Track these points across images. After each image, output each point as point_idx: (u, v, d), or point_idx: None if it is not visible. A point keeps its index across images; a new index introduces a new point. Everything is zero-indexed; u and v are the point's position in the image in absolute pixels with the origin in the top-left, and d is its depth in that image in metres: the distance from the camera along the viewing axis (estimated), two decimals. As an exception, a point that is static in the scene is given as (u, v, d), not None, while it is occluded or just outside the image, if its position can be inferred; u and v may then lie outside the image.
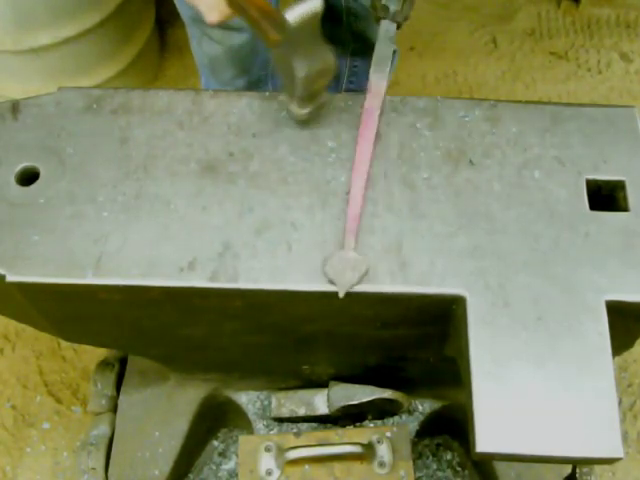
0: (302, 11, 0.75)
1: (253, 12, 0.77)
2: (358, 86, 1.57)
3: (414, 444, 1.13)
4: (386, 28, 0.89)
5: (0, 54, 1.70)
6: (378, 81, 0.87)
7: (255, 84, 1.42)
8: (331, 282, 0.75)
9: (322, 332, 0.88)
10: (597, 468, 1.18)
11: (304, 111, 0.84)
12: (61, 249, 0.78)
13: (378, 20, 0.90)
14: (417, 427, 1.14)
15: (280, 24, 0.76)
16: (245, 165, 0.84)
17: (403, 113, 0.87)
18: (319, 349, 0.97)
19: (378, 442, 1.03)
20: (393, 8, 0.89)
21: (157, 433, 1.16)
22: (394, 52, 1.59)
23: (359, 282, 0.75)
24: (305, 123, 0.85)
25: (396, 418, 1.14)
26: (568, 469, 1.13)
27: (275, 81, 1.50)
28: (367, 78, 0.87)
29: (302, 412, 1.09)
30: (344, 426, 1.12)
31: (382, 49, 0.88)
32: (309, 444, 1.03)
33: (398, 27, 0.90)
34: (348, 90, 1.58)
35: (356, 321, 0.84)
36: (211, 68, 1.38)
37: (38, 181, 0.82)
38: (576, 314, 0.73)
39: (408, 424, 1.13)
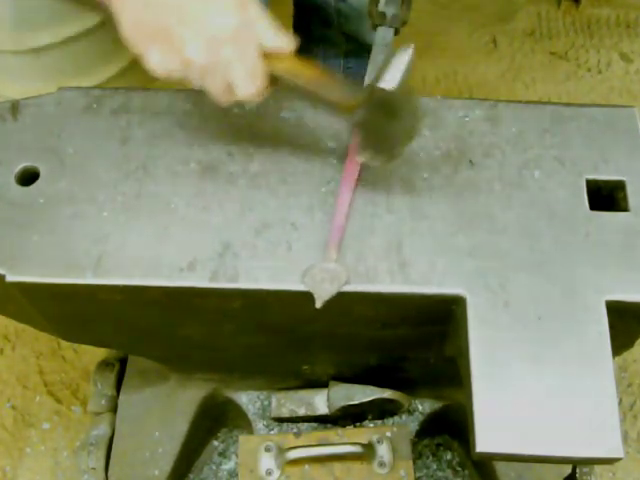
0: (399, 73, 0.70)
1: (309, 87, 0.74)
2: None
3: (414, 444, 1.13)
4: (383, 35, 0.88)
5: (0, 54, 1.70)
6: None
7: None
8: (310, 292, 0.75)
9: (322, 332, 0.88)
10: (597, 468, 1.18)
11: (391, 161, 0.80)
12: (61, 249, 0.78)
13: (375, 27, 0.90)
14: (417, 427, 1.14)
15: (351, 89, 0.73)
16: (245, 165, 0.84)
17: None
18: (319, 349, 0.97)
19: (378, 442, 1.03)
20: (390, 13, 0.88)
21: (157, 433, 1.16)
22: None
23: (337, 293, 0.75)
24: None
25: (396, 418, 1.14)
26: (568, 469, 1.13)
27: None
28: (362, 79, 0.87)
29: (302, 412, 1.09)
30: (344, 426, 1.12)
31: (378, 57, 0.87)
32: (309, 444, 1.03)
33: (396, 33, 0.90)
34: None
35: (356, 321, 0.84)
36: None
37: (38, 181, 0.82)
38: (576, 314, 0.73)
39: (408, 424, 1.13)
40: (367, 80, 0.86)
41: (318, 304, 0.74)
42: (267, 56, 0.72)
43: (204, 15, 0.69)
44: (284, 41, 0.74)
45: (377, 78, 0.71)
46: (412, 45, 0.72)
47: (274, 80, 0.74)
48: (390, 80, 0.70)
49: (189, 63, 0.70)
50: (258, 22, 0.72)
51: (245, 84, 0.72)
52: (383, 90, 0.70)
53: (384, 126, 0.75)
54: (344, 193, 0.80)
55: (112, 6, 0.73)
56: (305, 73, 0.74)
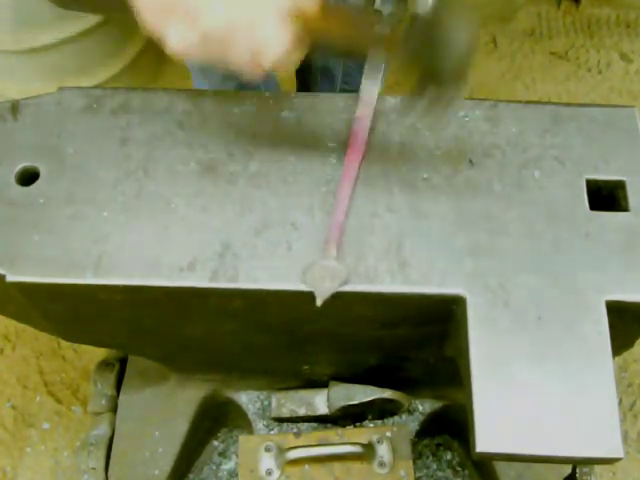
0: None
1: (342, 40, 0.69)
2: (352, 86, 1.57)
3: (414, 444, 1.13)
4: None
5: (0, 54, 1.70)
6: (370, 88, 0.85)
7: (246, 86, 1.42)
8: (310, 290, 0.75)
9: (322, 332, 0.88)
10: (597, 468, 1.18)
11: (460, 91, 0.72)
12: (61, 249, 0.78)
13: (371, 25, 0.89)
14: (417, 427, 1.14)
15: (387, 24, 0.68)
16: (245, 165, 0.84)
17: (403, 113, 0.87)
18: (319, 349, 0.97)
19: (378, 442, 1.03)
20: (387, 11, 0.88)
21: (157, 433, 1.16)
22: None
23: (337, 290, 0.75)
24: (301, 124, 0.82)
25: (396, 418, 1.14)
26: (568, 469, 1.13)
27: (267, 84, 1.49)
28: (361, 79, 0.86)
29: (302, 412, 1.09)
30: (344, 426, 1.12)
31: (374, 55, 0.87)
32: (309, 444, 1.03)
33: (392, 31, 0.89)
34: (342, 90, 1.58)
35: (356, 321, 0.84)
36: (201, 69, 1.38)
37: (38, 181, 0.82)
38: (576, 314, 0.73)
39: (408, 424, 1.13)
40: (363, 81, 0.85)
41: (319, 302, 0.74)
42: (293, 15, 0.67)
43: None
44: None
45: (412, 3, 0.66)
46: None
47: (304, 39, 0.68)
48: (423, 3, 0.65)
49: (209, 34, 0.66)
50: None
51: (272, 45, 0.67)
52: (418, 16, 0.65)
53: (432, 55, 0.68)
54: (343, 190, 0.80)
55: None
56: (336, 23, 0.69)
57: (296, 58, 0.69)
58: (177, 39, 0.67)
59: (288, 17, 0.66)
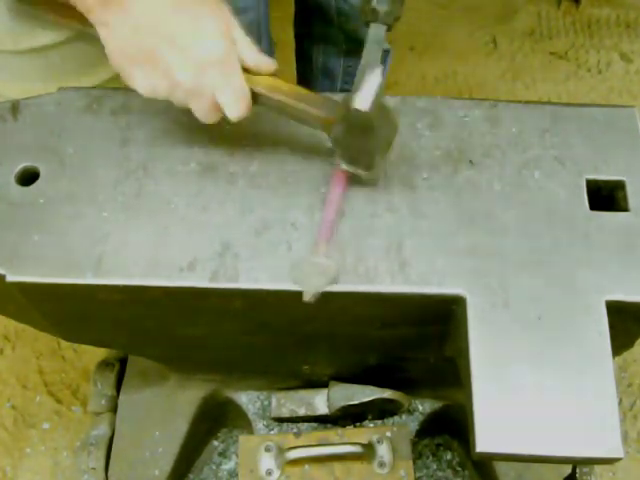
0: (371, 94, 0.72)
1: (288, 104, 0.77)
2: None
3: (414, 444, 1.13)
4: (375, 32, 0.88)
5: (0, 54, 1.70)
6: None
7: None
8: (297, 286, 0.75)
9: (322, 332, 0.88)
10: (597, 468, 1.18)
11: (376, 174, 0.81)
12: (61, 249, 0.78)
13: (367, 24, 0.89)
14: (417, 427, 1.14)
15: (330, 105, 0.76)
16: (245, 165, 0.84)
17: (403, 113, 0.87)
18: (319, 349, 0.97)
19: (378, 442, 1.03)
20: (382, 10, 0.88)
21: (157, 433, 1.16)
22: (388, 52, 1.58)
23: (326, 287, 0.75)
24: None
25: (396, 418, 1.14)
26: (568, 469, 1.13)
27: None
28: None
29: (302, 412, 1.09)
30: (344, 426, 1.12)
31: (370, 54, 0.87)
32: (309, 444, 1.03)
33: (388, 29, 0.89)
34: (343, 90, 1.58)
35: (356, 321, 0.84)
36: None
37: (38, 181, 0.82)
38: (576, 314, 0.73)
39: (408, 424, 1.13)
40: (357, 78, 0.85)
41: (306, 298, 0.74)
42: (248, 73, 0.76)
43: (192, 40, 0.72)
44: (265, 60, 0.77)
45: (350, 98, 0.73)
46: (381, 66, 0.75)
47: (255, 97, 0.77)
48: (363, 100, 0.72)
49: (176, 86, 0.73)
50: (241, 42, 0.75)
51: (233, 106, 0.75)
52: (356, 110, 0.72)
53: (360, 141, 0.77)
54: (334, 188, 0.80)
55: (98, 31, 0.74)
56: (284, 90, 0.77)
57: (249, 113, 0.77)
58: (145, 84, 0.74)
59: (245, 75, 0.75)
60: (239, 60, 0.75)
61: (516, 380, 0.70)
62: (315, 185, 0.82)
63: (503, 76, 2.12)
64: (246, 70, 0.76)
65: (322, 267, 0.75)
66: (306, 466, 1.02)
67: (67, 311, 0.85)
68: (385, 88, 0.75)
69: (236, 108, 0.75)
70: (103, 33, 0.74)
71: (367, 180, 0.81)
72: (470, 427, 0.69)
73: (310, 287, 0.74)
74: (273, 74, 0.78)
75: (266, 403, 1.13)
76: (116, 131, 0.86)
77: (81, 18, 0.75)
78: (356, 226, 0.79)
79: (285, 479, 1.02)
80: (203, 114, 0.76)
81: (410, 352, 0.95)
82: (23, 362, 1.60)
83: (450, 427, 1.22)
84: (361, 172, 0.80)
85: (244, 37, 0.76)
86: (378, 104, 0.73)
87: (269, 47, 1.42)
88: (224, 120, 0.78)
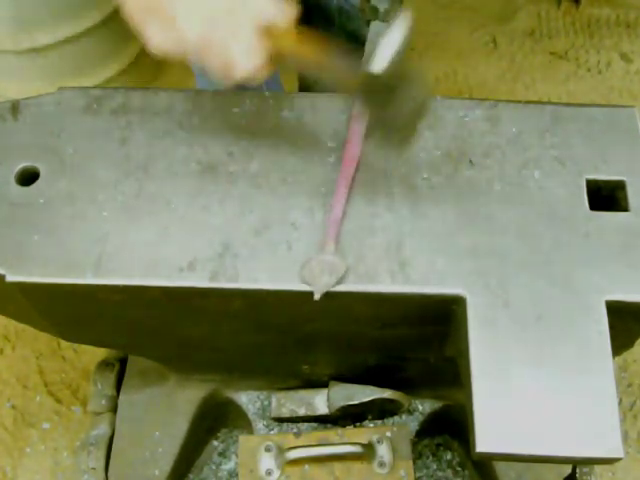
0: (387, 55, 0.66)
1: (311, 66, 0.72)
2: None
3: (414, 444, 1.13)
4: (375, 30, 0.88)
5: (0, 54, 1.70)
6: None
7: (248, 86, 1.42)
8: (308, 285, 0.75)
9: (322, 332, 0.88)
10: (597, 468, 1.18)
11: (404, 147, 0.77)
12: (61, 249, 0.78)
13: (368, 22, 0.89)
14: (417, 427, 1.14)
15: (354, 67, 0.70)
16: (245, 165, 0.84)
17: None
18: (319, 349, 0.97)
19: (378, 442, 1.03)
20: (382, 8, 0.88)
21: (157, 433, 1.16)
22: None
23: (336, 285, 0.75)
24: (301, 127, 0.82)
25: (396, 418, 1.14)
26: (568, 469, 1.13)
27: (269, 84, 1.49)
28: None
29: (302, 412, 1.09)
30: (344, 426, 1.12)
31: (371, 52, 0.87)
32: (309, 444, 1.03)
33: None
34: None
35: (356, 321, 0.84)
36: (202, 68, 1.38)
37: (38, 181, 0.82)
38: (576, 314, 0.73)
39: (408, 424, 1.12)
40: (369, 39, 0.85)
41: (317, 296, 0.74)
42: (267, 33, 0.70)
43: None
44: (284, 12, 0.72)
45: (367, 58, 0.67)
46: (409, 15, 0.67)
47: (276, 58, 0.72)
48: (378, 62, 0.66)
49: (184, 40, 0.70)
50: None
51: (242, 61, 0.70)
52: (371, 74, 0.67)
53: (384, 108, 0.71)
54: (341, 186, 0.80)
55: None
56: (307, 51, 0.72)
57: (265, 74, 0.72)
58: (156, 39, 0.71)
59: (261, 35, 0.70)
60: (254, 15, 0.70)
61: (516, 380, 0.70)
62: (315, 185, 0.82)
63: (503, 76, 2.12)
64: (266, 27, 0.70)
65: (332, 265, 0.75)
66: (306, 466, 1.02)
67: (67, 311, 0.85)
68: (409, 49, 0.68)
69: (246, 63, 0.70)
70: None
71: (371, 178, 0.79)
72: (470, 427, 0.69)
73: (320, 286, 0.74)
74: (294, 27, 0.72)
75: (266, 403, 1.13)
76: (116, 131, 0.86)
77: None
78: (356, 226, 0.79)
79: (285, 479, 1.02)
80: (216, 72, 0.72)
81: (410, 352, 0.95)
82: (23, 362, 1.60)
83: (450, 427, 1.22)
84: (390, 147, 0.76)
85: None
86: (400, 63, 0.66)
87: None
88: (223, 120, 0.75)
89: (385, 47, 0.66)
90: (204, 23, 0.69)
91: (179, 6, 0.69)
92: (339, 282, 0.75)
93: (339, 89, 0.75)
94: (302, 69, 0.74)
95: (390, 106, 0.70)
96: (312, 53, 0.72)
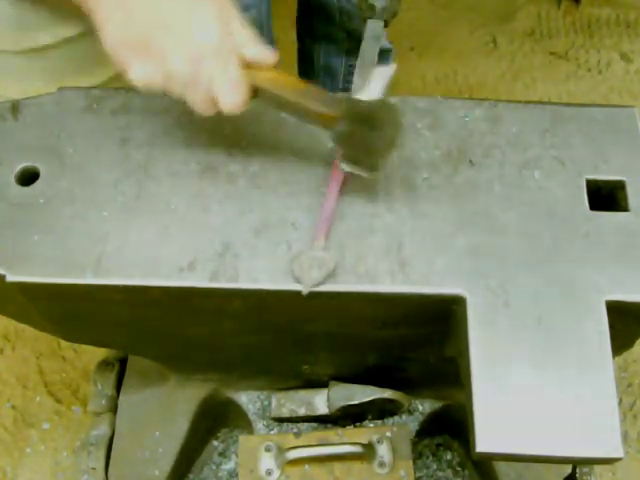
0: (381, 86, 0.72)
1: (290, 99, 0.75)
2: None
3: (414, 444, 1.13)
4: (372, 27, 0.88)
5: (0, 54, 1.70)
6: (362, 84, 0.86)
7: None
8: (296, 280, 0.75)
9: (322, 332, 0.88)
10: (597, 468, 1.18)
11: (378, 173, 0.80)
12: (61, 249, 0.78)
13: (365, 20, 0.90)
14: (417, 427, 1.13)
15: (332, 101, 0.74)
16: (245, 165, 0.84)
17: (403, 113, 0.87)
18: (319, 349, 0.97)
19: (378, 442, 1.03)
20: (379, 5, 0.88)
21: (157, 433, 1.16)
22: (390, 51, 1.58)
23: (325, 280, 0.75)
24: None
25: (396, 418, 1.13)
26: (568, 469, 1.13)
27: None
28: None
29: (302, 412, 1.09)
30: (344, 426, 1.12)
31: (367, 49, 0.87)
32: (309, 444, 1.03)
33: (386, 25, 0.90)
34: (345, 89, 1.58)
35: (356, 321, 0.84)
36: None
37: (38, 181, 0.82)
38: (576, 314, 0.73)
39: (408, 424, 1.12)
40: (356, 76, 0.85)
41: (305, 290, 0.74)
42: (249, 67, 0.74)
43: (188, 29, 0.71)
44: (266, 53, 0.75)
45: (358, 90, 0.72)
46: (395, 65, 0.75)
47: (256, 92, 0.75)
48: (371, 92, 0.71)
49: (172, 76, 0.72)
50: (240, 34, 0.73)
51: (228, 97, 0.73)
52: (363, 102, 0.71)
53: (364, 138, 0.76)
54: (332, 182, 0.81)
55: (94, 19, 0.73)
56: (286, 85, 0.76)
57: (247, 106, 0.75)
58: (141, 74, 0.72)
59: (245, 68, 0.73)
60: (239, 52, 0.73)
61: (516, 380, 0.70)
62: (315, 185, 0.82)
63: (503, 76, 2.12)
64: (247, 64, 0.74)
65: (320, 260, 0.75)
66: (306, 466, 1.02)
67: (67, 311, 0.85)
68: (392, 88, 0.76)
69: (231, 99, 0.73)
70: (98, 21, 0.72)
71: (368, 180, 0.81)
72: (470, 427, 0.69)
73: (309, 280, 0.74)
74: (274, 67, 0.76)
75: (266, 403, 1.13)
76: (116, 131, 0.86)
77: (78, 10, 0.75)
78: (356, 226, 0.79)
79: (285, 479, 1.02)
80: (199, 105, 0.74)
81: (410, 352, 0.95)
82: (23, 362, 1.60)
83: (450, 427, 1.22)
84: (363, 172, 0.79)
85: (245, 29, 0.74)
86: (384, 101, 0.72)
87: (270, 46, 1.43)
88: (223, 120, 0.76)
89: (379, 78, 0.72)
90: (194, 59, 0.71)
91: (169, 42, 0.70)
92: (328, 277, 0.75)
93: (318, 122, 0.77)
94: (282, 103, 0.77)
95: (373, 136, 0.75)
96: (293, 86, 0.76)
